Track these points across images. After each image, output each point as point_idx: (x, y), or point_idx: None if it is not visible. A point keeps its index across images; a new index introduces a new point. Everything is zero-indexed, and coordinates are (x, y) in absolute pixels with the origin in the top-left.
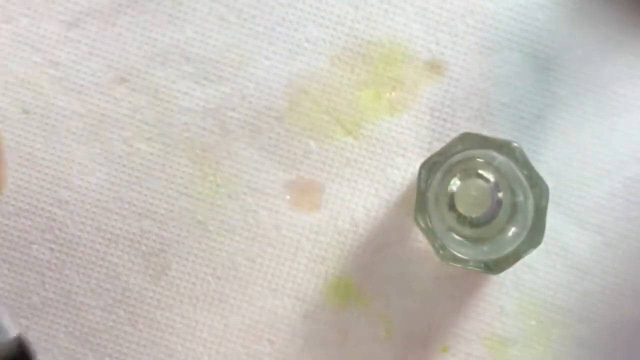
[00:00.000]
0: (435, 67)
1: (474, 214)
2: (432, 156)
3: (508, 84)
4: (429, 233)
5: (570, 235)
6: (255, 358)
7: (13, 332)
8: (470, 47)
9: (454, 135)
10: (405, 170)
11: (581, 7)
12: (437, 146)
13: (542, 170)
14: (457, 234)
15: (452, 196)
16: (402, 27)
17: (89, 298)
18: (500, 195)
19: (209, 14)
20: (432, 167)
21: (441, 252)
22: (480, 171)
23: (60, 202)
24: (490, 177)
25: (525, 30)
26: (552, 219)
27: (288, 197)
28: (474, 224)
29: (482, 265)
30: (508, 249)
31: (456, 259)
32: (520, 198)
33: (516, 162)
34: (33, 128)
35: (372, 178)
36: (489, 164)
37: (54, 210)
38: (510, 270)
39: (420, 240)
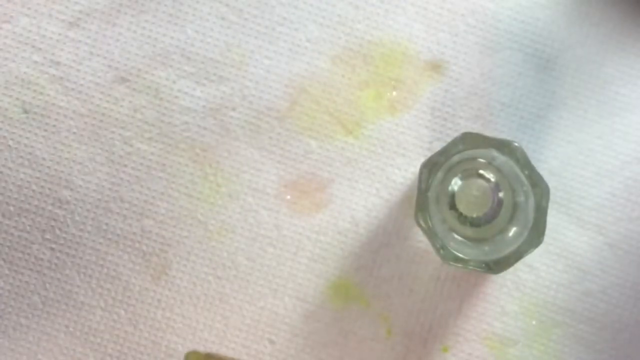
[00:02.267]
0: (435, 66)
1: (475, 213)
2: (432, 156)
3: (509, 84)
4: (430, 233)
5: (571, 235)
6: (256, 358)
7: None
8: (471, 46)
9: (454, 135)
10: (405, 170)
11: (581, 7)
12: (438, 146)
13: (542, 170)
14: (458, 234)
15: (452, 196)
16: (403, 27)
17: (89, 298)
18: (501, 195)
19: (210, 13)
20: (432, 167)
21: (442, 252)
22: (481, 171)
23: (61, 201)
24: (491, 177)
25: (526, 30)
26: (553, 218)
27: (288, 196)
28: (474, 223)
29: (483, 265)
30: (509, 249)
31: (457, 259)
32: (521, 198)
33: (517, 162)
34: (33, 128)
35: (373, 178)
36: (489, 164)
37: (54, 210)
38: (511, 270)
39: (420, 240)
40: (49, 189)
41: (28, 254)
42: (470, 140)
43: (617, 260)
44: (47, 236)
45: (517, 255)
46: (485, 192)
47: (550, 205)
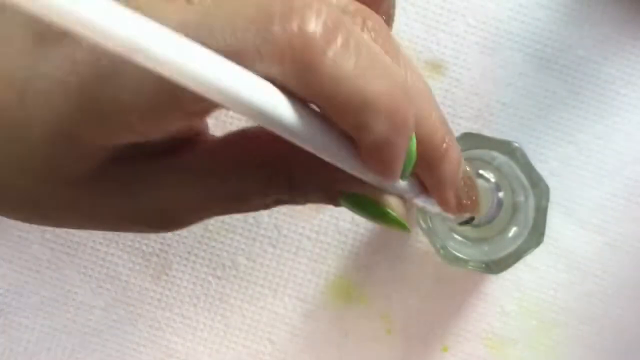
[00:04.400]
0: (436, 67)
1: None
2: None
3: (509, 84)
4: (430, 233)
5: (570, 235)
6: (255, 358)
7: None
8: (471, 47)
9: (454, 135)
10: None
11: (582, 7)
12: None
13: (542, 170)
14: (458, 234)
15: None
16: (404, 27)
17: (89, 297)
18: (501, 195)
19: None
20: None
21: (442, 252)
22: (481, 171)
23: None
24: (491, 177)
25: (526, 30)
26: (553, 218)
27: None
28: (474, 224)
29: (483, 265)
30: (509, 249)
31: (457, 259)
32: (521, 198)
33: (517, 162)
34: None
35: None
36: (489, 164)
37: None
38: (511, 270)
39: (421, 240)
40: None
41: (28, 254)
42: (470, 140)
43: (617, 260)
44: (47, 236)
45: (517, 255)
46: (485, 193)
47: (550, 205)
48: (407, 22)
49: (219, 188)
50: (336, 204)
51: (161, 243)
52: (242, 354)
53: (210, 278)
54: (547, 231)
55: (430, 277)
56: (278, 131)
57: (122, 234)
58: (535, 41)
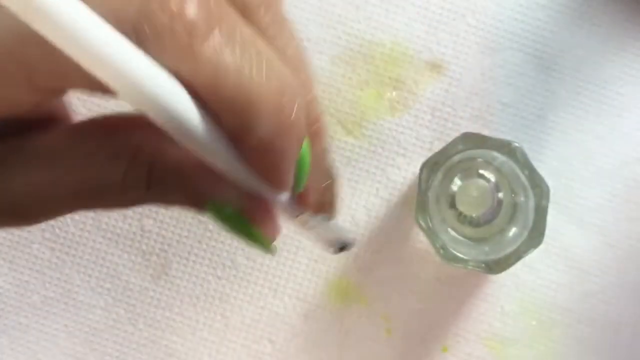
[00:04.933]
0: (436, 66)
1: (475, 213)
2: (432, 156)
3: (509, 84)
4: (430, 233)
5: (570, 235)
6: (255, 358)
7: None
8: (471, 46)
9: (454, 135)
10: (406, 170)
11: (582, 7)
12: (438, 146)
13: (542, 170)
14: (458, 234)
15: (452, 196)
16: (403, 27)
17: (89, 297)
18: (500, 195)
19: None
20: (433, 167)
21: (442, 252)
22: (481, 171)
23: None
24: (491, 177)
25: (527, 30)
26: (553, 219)
27: None
28: (474, 223)
29: (483, 265)
30: (509, 249)
31: (457, 259)
32: (521, 198)
33: (517, 162)
34: None
35: (373, 178)
36: (489, 164)
37: None
38: (511, 270)
39: (420, 240)
40: None
41: (28, 253)
42: (470, 140)
43: (617, 260)
44: (47, 235)
45: (517, 256)
46: (485, 192)
47: (550, 205)
48: (407, 22)
49: (67, 176)
50: (202, 210)
51: (161, 243)
52: (242, 354)
53: (210, 278)
54: (547, 231)
55: (430, 277)
56: (162, 123)
57: (122, 234)
58: (535, 41)
